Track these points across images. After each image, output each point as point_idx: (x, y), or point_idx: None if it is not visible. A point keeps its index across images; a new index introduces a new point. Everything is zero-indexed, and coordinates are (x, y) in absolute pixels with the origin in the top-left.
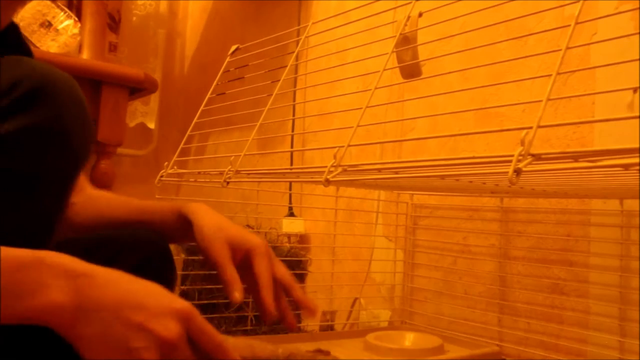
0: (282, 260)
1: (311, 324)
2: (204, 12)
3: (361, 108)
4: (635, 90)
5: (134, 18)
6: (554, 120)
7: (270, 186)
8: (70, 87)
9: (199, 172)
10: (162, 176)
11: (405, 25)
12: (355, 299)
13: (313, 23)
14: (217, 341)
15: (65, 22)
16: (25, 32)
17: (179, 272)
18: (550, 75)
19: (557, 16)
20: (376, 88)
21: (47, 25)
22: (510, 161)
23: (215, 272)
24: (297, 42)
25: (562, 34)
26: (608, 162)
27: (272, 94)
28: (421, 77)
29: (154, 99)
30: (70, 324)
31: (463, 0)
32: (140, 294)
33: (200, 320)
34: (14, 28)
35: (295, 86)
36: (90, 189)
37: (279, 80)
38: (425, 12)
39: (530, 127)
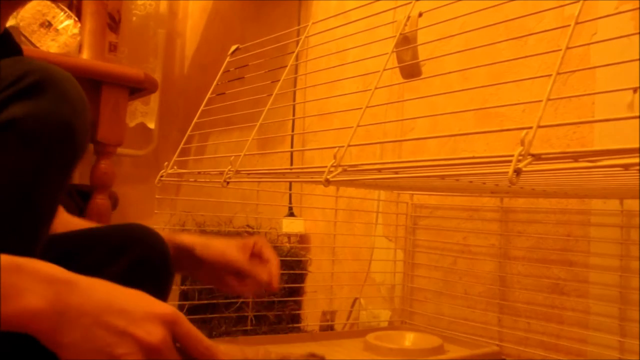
0: (282, 260)
1: (311, 324)
2: (204, 12)
3: (361, 108)
4: (635, 90)
5: (134, 18)
6: (554, 120)
7: (270, 186)
8: (71, 81)
9: (199, 172)
10: (162, 176)
11: (405, 25)
12: (355, 299)
13: (313, 23)
14: (205, 345)
15: (65, 22)
16: (25, 32)
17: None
18: (550, 75)
19: (557, 16)
20: (376, 88)
21: (47, 25)
22: (510, 161)
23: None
24: (297, 42)
25: (562, 34)
26: (608, 162)
27: (272, 94)
28: (421, 77)
29: (154, 99)
30: (50, 331)
31: (463, 0)
32: (122, 299)
33: (187, 324)
34: (7, 32)
35: (295, 86)
36: (67, 214)
37: (279, 80)
38: (425, 12)
39: (530, 127)
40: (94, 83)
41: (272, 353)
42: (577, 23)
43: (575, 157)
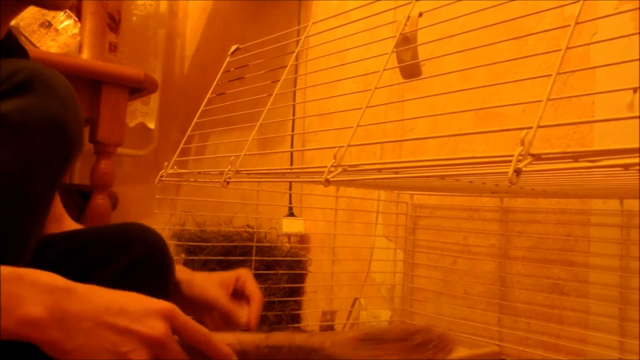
0: (282, 260)
1: (311, 324)
2: (204, 12)
3: (361, 108)
4: (635, 90)
5: (134, 18)
6: (554, 120)
7: (270, 186)
8: (62, 81)
9: (199, 172)
10: (162, 176)
11: (405, 25)
12: (355, 299)
13: (313, 23)
14: (202, 333)
15: (65, 22)
16: (25, 32)
17: None
18: (550, 75)
19: (557, 16)
20: (376, 88)
21: (47, 25)
22: (510, 161)
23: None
24: (297, 42)
25: (562, 34)
26: (608, 162)
27: (272, 94)
28: (421, 77)
29: (154, 99)
30: (53, 339)
31: (463, 0)
32: (119, 300)
33: (183, 316)
34: (10, 32)
35: (295, 86)
36: (70, 221)
37: (279, 80)
38: (425, 12)
39: (530, 127)
40: (94, 83)
41: (271, 339)
42: (577, 23)
43: (575, 157)
